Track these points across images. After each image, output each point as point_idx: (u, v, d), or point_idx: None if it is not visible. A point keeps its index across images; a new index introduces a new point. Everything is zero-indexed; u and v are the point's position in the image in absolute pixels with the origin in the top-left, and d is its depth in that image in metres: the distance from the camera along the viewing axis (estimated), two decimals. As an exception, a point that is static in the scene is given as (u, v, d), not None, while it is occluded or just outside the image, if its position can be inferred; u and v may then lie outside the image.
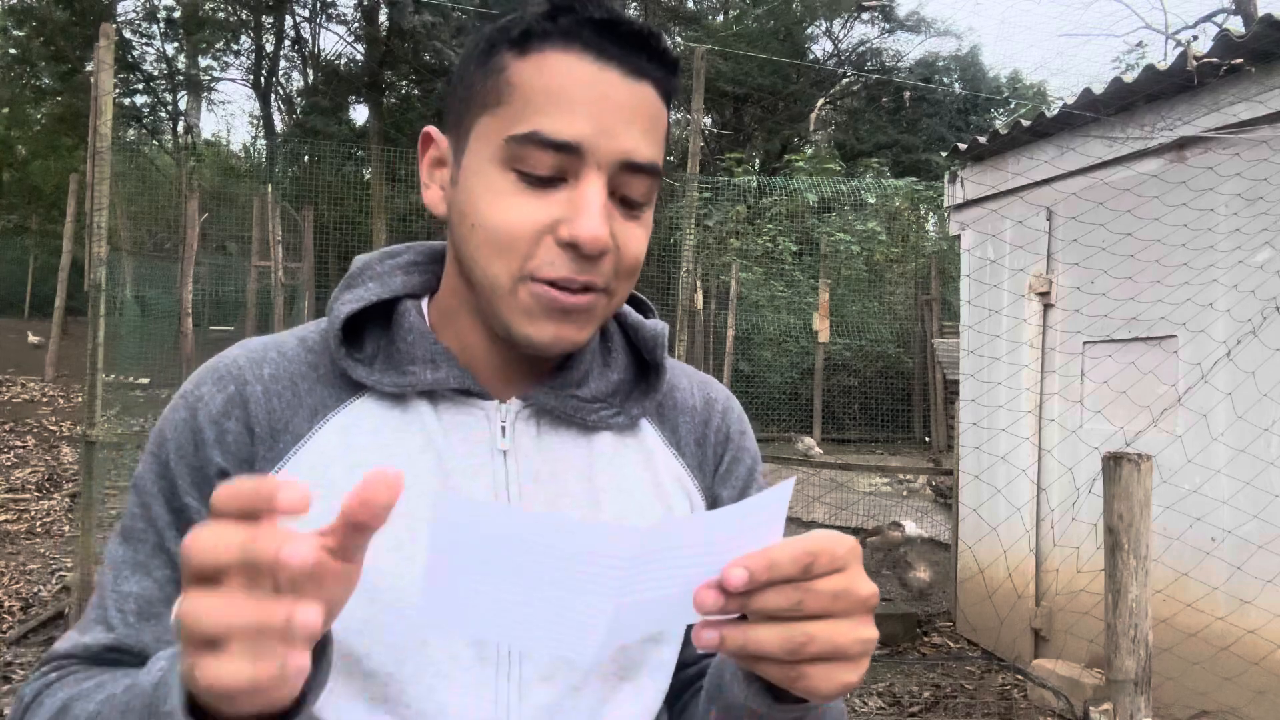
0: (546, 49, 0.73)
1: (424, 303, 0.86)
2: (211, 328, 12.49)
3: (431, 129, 0.82)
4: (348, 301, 0.81)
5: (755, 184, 14.09)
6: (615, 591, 0.53)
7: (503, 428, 0.82)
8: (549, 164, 0.72)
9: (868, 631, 0.59)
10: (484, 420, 0.81)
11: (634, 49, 0.74)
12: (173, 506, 0.77)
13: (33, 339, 14.63)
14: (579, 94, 0.72)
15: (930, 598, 5.76)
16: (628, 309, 0.90)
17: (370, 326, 0.83)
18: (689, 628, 0.61)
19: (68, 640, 0.77)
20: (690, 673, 0.90)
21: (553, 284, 0.74)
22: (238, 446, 0.77)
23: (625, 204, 0.76)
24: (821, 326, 11.78)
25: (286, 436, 0.78)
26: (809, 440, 10.85)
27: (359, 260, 0.87)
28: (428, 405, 0.81)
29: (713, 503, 0.91)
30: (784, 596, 0.56)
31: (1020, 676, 4.73)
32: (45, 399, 10.58)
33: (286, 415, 0.79)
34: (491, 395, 0.82)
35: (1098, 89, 4.47)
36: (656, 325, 0.90)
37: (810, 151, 16.78)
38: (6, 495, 7.11)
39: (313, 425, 0.79)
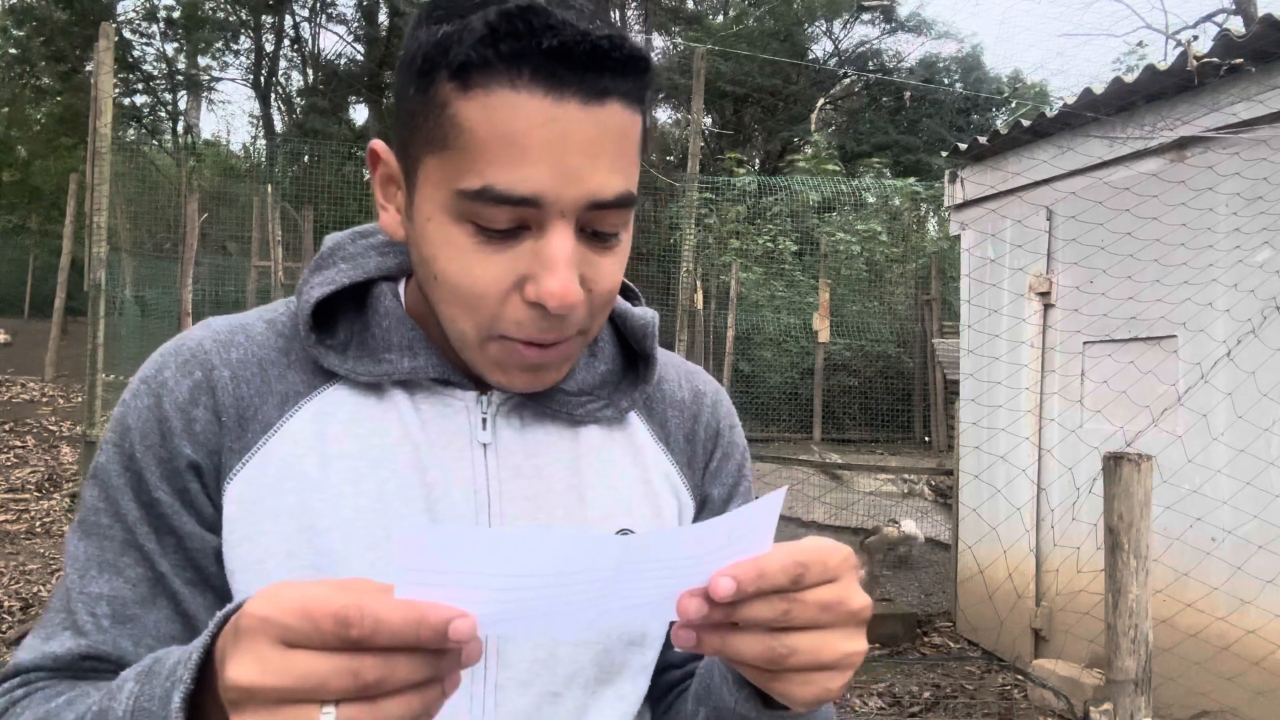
0: (492, 85, 0.63)
1: (400, 285, 0.80)
2: (211, 327, 12.48)
3: (378, 144, 0.74)
4: (318, 285, 0.76)
5: (755, 184, 14.09)
6: (598, 599, 0.51)
7: (484, 419, 0.77)
8: (507, 218, 0.65)
9: (855, 644, 0.56)
10: (463, 412, 0.77)
11: (593, 69, 0.63)
12: (142, 501, 0.72)
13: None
14: (533, 139, 0.63)
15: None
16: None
17: (343, 309, 0.78)
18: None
19: (31, 650, 0.71)
20: (675, 675, 0.88)
21: (524, 342, 0.70)
22: (206, 436, 0.73)
23: (597, 237, 0.68)
24: (821, 326, 11.76)
25: (255, 425, 0.73)
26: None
27: (330, 240, 0.82)
28: (404, 395, 0.76)
29: (702, 502, 0.88)
30: (771, 608, 0.53)
31: (1020, 676, 4.73)
32: (45, 399, 10.58)
33: (255, 403, 0.74)
34: (471, 385, 0.78)
35: (1098, 89, 4.47)
36: (645, 313, 0.85)
37: (811, 151, 16.77)
38: (6, 495, 7.11)
39: (283, 414, 0.74)
